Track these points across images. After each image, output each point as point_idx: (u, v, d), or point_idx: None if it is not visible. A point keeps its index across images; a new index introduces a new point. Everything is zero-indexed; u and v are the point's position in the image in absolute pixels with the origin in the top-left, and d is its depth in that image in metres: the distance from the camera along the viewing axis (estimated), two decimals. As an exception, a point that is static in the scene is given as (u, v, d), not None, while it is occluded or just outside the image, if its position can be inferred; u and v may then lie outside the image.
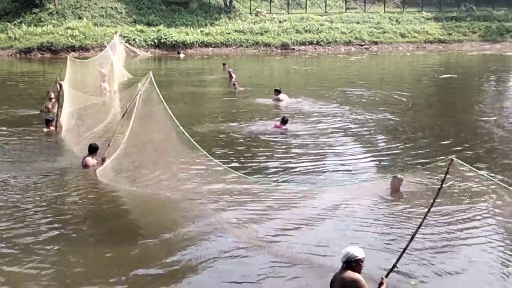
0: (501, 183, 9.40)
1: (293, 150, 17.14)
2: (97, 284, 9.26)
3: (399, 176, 13.07)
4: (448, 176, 8.44)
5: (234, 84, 29.16)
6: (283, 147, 17.58)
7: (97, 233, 11.51)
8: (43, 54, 45.74)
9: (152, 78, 14.23)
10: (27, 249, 10.48)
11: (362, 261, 8.19)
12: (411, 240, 8.88)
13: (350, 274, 8.09)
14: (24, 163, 15.84)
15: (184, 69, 39.96)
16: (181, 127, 13.22)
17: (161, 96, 13.68)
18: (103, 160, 14.72)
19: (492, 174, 13.81)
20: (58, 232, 11.27)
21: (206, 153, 13.47)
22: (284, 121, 19.54)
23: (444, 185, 8.48)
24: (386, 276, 8.70)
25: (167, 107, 13.40)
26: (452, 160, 8.40)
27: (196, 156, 14.00)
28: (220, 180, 13.55)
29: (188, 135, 13.27)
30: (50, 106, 22.26)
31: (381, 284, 8.43)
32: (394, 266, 8.86)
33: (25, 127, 20.32)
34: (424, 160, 15.72)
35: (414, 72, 38.87)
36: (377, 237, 10.84)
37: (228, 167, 13.67)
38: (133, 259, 10.13)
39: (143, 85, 14.51)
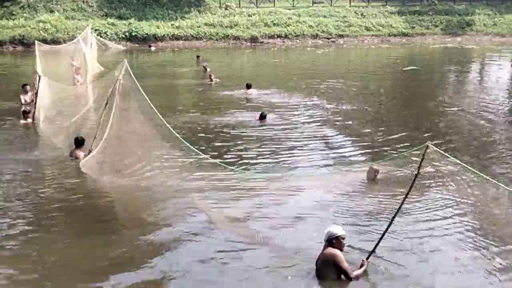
0: (472, 168, 9.46)
1: (269, 142, 17.08)
2: (76, 276, 9.12)
3: (374, 167, 13.20)
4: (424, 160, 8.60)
5: (210, 76, 28.98)
6: (260, 139, 17.50)
7: (78, 225, 11.26)
8: (15, 47, 45.09)
9: (127, 66, 13.94)
10: (4, 241, 10.31)
11: (343, 238, 8.70)
12: (390, 225, 9.15)
13: (330, 250, 8.62)
14: (2, 155, 15.48)
15: (156, 62, 39.69)
16: (161, 117, 13.04)
17: (138, 85, 13.39)
18: (90, 152, 14.36)
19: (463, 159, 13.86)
20: (37, 224, 11.11)
21: (188, 144, 13.29)
22: (262, 117, 19.67)
23: (420, 171, 8.63)
24: (367, 258, 9.03)
25: (146, 97, 13.16)
26: (428, 146, 8.54)
27: (176, 147, 13.86)
28: (199, 170, 13.53)
29: (167, 124, 13.11)
30: (26, 98, 21.69)
31: (362, 265, 8.85)
32: (374, 249, 9.15)
33: (1, 119, 19.87)
34: (399, 148, 15.89)
35: (380, 64, 39.11)
36: (356, 223, 10.97)
37: (206, 157, 13.79)
38: (114, 251, 9.99)
39: (120, 73, 14.11)
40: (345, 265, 8.57)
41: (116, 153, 14.18)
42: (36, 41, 26.60)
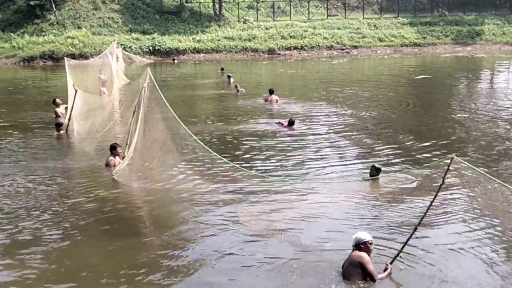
0: (500, 181, 8.99)
1: (296, 149, 17.07)
2: (102, 279, 9.20)
3: (377, 165, 13.51)
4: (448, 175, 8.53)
5: (236, 86, 29.15)
6: (287, 146, 17.47)
7: (107, 230, 11.29)
8: (45, 62, 46.00)
9: (150, 73, 13.98)
10: (35, 245, 10.45)
11: (370, 243, 8.74)
12: (414, 231, 9.09)
13: (357, 253, 8.67)
14: (36, 164, 15.65)
15: (179, 74, 40.21)
16: (184, 126, 13.03)
17: (160, 92, 13.43)
18: (123, 158, 14.43)
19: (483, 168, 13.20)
20: (68, 229, 11.18)
21: (211, 151, 13.33)
22: (290, 123, 19.74)
23: (445, 181, 8.58)
24: (391, 262, 9.02)
25: (167, 103, 13.20)
26: (453, 158, 8.44)
27: (201, 153, 13.95)
28: (226, 177, 13.59)
29: (190, 133, 13.14)
30: (63, 111, 21.70)
31: (386, 269, 8.84)
32: (398, 254, 9.13)
33: (36, 131, 20.12)
34: (420, 156, 15.87)
35: (393, 74, 39.06)
36: (381, 228, 10.90)
37: (234, 164, 13.76)
38: (140, 256, 9.96)
39: (144, 81, 14.15)
40: (371, 267, 8.60)
41: (144, 160, 14.19)
42: (65, 58, 26.90)
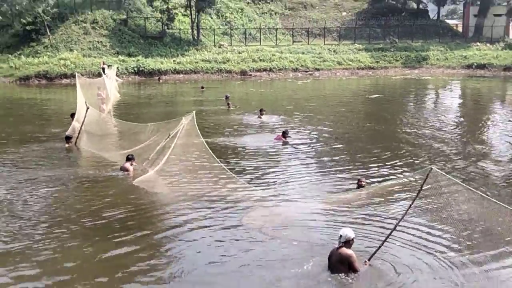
0: (479, 192, 9.14)
1: (287, 160, 17.91)
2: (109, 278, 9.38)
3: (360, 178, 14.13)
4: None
5: (228, 104, 30.10)
6: (281, 157, 18.22)
7: (117, 231, 11.34)
8: (39, 81, 46.51)
9: (194, 117, 15.06)
10: (53, 241, 10.69)
11: (353, 241, 9.02)
12: (391, 232, 9.34)
13: (345, 250, 8.92)
14: (53, 173, 15.86)
15: (163, 92, 40.90)
16: (213, 155, 14.19)
17: (198, 130, 14.66)
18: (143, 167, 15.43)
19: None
20: (77, 230, 11.38)
21: (232, 173, 14.10)
22: (284, 134, 19.95)
23: (423, 187, 8.71)
24: (369, 259, 9.31)
25: (203, 140, 14.56)
26: (432, 169, 8.49)
27: (221, 173, 14.50)
28: (238, 190, 13.99)
29: (219, 161, 14.19)
30: (76, 124, 20.92)
31: (364, 264, 9.19)
32: (376, 252, 9.37)
33: (47, 143, 20.14)
34: (390, 167, 16.48)
35: (351, 93, 40.09)
36: (358, 229, 11.03)
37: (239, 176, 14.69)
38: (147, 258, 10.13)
39: (187, 120, 15.28)
40: (357, 264, 8.81)
41: (172, 172, 15.07)
42: (76, 73, 27.71)
